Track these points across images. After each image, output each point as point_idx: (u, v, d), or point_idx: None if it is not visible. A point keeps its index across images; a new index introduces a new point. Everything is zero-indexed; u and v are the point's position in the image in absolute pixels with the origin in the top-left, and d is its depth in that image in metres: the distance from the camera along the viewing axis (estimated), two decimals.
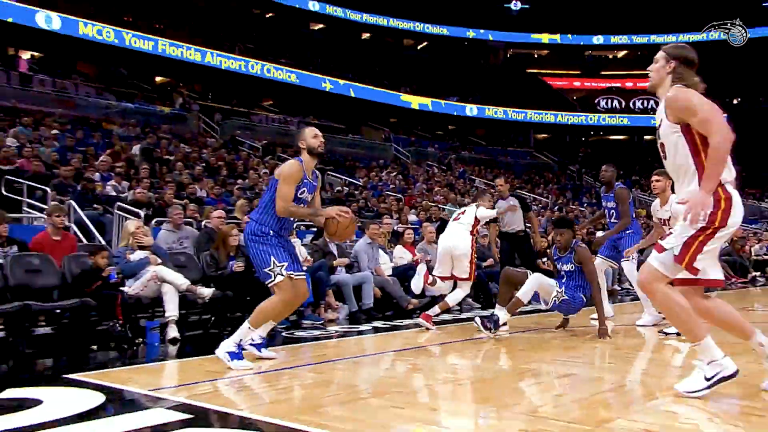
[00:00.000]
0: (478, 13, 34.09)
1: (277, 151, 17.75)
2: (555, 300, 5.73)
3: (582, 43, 35.34)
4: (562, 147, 33.24)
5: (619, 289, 10.88)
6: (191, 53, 23.95)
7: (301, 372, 4.27)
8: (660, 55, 3.33)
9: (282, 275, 4.28)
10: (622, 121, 33.59)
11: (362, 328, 6.56)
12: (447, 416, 3.08)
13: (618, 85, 34.93)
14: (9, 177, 9.29)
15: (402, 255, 8.42)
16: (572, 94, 35.95)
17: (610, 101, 34.36)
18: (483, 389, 3.74)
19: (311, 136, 4.48)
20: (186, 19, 26.85)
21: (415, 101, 30.16)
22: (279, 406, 3.28)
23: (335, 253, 7.70)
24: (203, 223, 8.27)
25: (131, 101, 21.23)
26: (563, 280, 5.80)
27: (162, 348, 5.45)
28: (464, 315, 7.54)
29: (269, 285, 4.35)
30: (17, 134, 12.45)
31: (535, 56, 36.96)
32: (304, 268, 6.76)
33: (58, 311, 5.48)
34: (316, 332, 6.19)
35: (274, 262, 4.28)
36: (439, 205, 14.60)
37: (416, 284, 6.58)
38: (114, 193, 10.00)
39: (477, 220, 6.41)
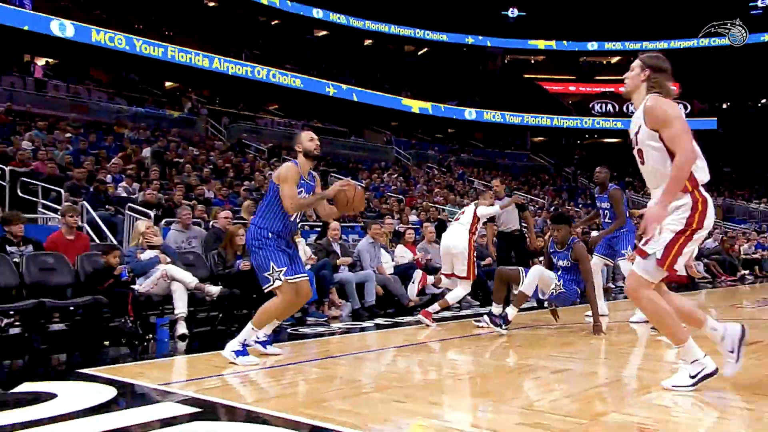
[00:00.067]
0: (476, 20, 34.35)
1: (283, 154, 17.89)
2: (553, 291, 5.81)
3: (577, 50, 35.67)
4: (558, 150, 33.41)
5: (614, 287, 10.93)
6: (199, 59, 24.24)
7: (306, 367, 4.32)
8: (636, 63, 3.48)
9: (280, 280, 4.33)
10: (615, 124, 33.86)
11: (365, 324, 6.65)
12: (447, 410, 3.12)
13: (612, 89, 35.25)
14: (24, 179, 9.45)
15: (403, 254, 8.52)
16: (567, 99, 36.20)
17: (604, 105, 34.62)
18: (481, 384, 3.81)
19: (307, 139, 4.59)
20: (194, 27, 27.09)
21: (416, 105, 30.47)
22: (284, 400, 3.34)
23: (338, 252, 7.81)
24: (211, 223, 8.41)
25: (142, 106, 21.47)
26: (559, 274, 5.89)
27: (171, 344, 5.52)
28: (464, 312, 7.59)
29: (267, 289, 4.39)
30: (32, 138, 12.66)
31: (532, 62, 37.17)
32: (307, 268, 6.93)
33: (71, 308, 5.57)
34: (320, 329, 6.26)
35: (273, 268, 4.33)
36: (438, 206, 14.71)
37: (411, 290, 6.73)
38: (125, 195, 10.17)
39: (476, 218, 6.47)
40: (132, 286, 5.86)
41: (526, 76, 36.26)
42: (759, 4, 33.63)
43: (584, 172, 30.63)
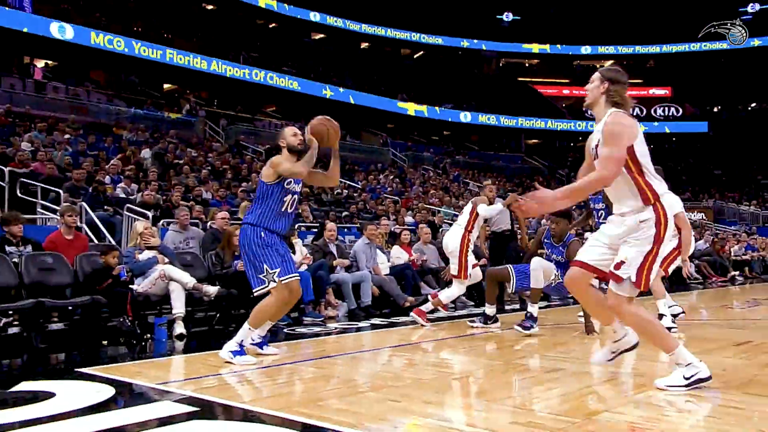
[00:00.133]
0: (471, 24, 34.54)
1: None
2: (552, 282, 5.84)
3: (571, 53, 35.91)
4: (552, 152, 33.62)
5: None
6: (198, 62, 24.32)
7: (302, 367, 4.34)
8: (595, 76, 3.58)
9: (274, 282, 4.35)
10: None
11: (361, 324, 6.69)
12: (441, 409, 3.13)
13: None
14: (24, 180, 9.50)
15: (399, 255, 8.57)
16: (561, 102, 36.47)
17: None
18: (475, 383, 3.84)
19: (291, 134, 4.61)
20: (193, 30, 27.16)
21: (412, 108, 30.63)
22: (281, 399, 3.36)
23: (335, 253, 7.86)
24: (208, 224, 8.46)
25: (141, 107, 21.51)
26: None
27: (169, 343, 5.55)
28: (458, 313, 7.62)
29: (259, 292, 4.40)
30: (32, 139, 12.71)
31: (526, 65, 37.42)
32: (304, 268, 6.98)
33: (70, 308, 5.59)
34: (317, 329, 6.30)
35: (267, 270, 4.35)
36: (433, 208, 14.80)
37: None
38: (123, 195, 10.22)
39: (474, 216, 6.42)
40: (130, 286, 5.88)
41: (520, 79, 36.44)
42: (749, 9, 33.99)
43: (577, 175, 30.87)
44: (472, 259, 6.55)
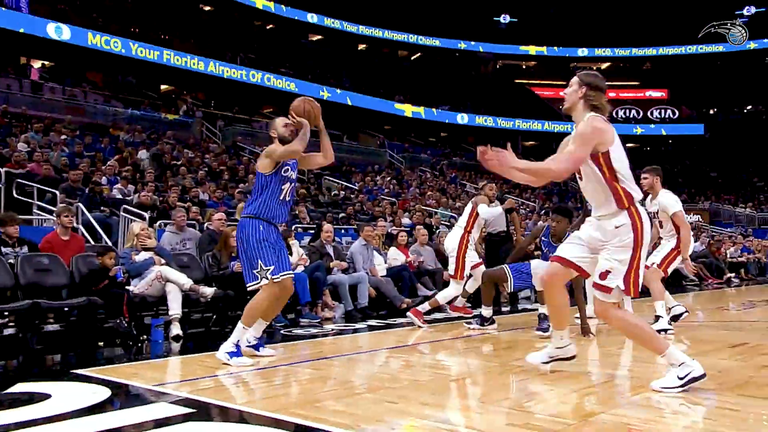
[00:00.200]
0: (468, 26, 34.61)
1: None
2: None
3: (567, 55, 36.05)
4: (549, 154, 33.20)
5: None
6: (195, 63, 24.35)
7: (299, 368, 4.34)
8: (574, 80, 3.62)
9: (267, 279, 4.36)
10: None
11: (357, 326, 6.68)
12: (438, 410, 3.13)
13: None
14: (20, 180, 9.48)
15: (396, 256, 8.58)
16: (558, 104, 36.34)
17: None
18: (472, 385, 3.85)
19: (281, 125, 4.65)
20: (190, 31, 27.14)
21: (409, 109, 30.74)
22: (277, 400, 3.35)
23: (332, 254, 7.86)
24: (205, 225, 8.45)
25: (138, 108, 21.49)
26: None
27: (166, 345, 5.54)
28: (454, 314, 7.64)
29: (252, 287, 4.42)
30: (28, 140, 12.69)
31: (523, 67, 37.56)
32: (300, 270, 6.99)
33: (66, 309, 5.58)
34: (314, 330, 6.31)
35: (261, 266, 4.36)
36: (430, 209, 14.83)
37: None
38: (120, 197, 10.20)
39: (474, 217, 6.41)
40: (127, 288, 5.88)
41: (517, 81, 36.52)
42: (745, 12, 34.23)
43: (574, 176, 30.88)
44: (474, 258, 6.52)
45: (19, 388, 3.65)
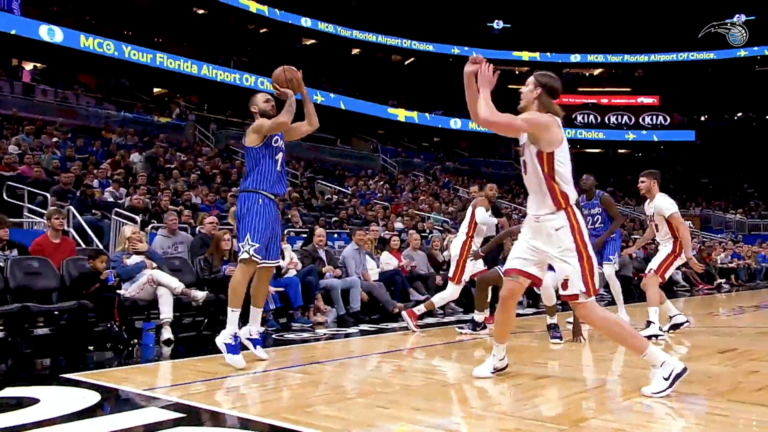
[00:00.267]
0: (462, 31, 34.75)
1: None
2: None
3: (560, 61, 36.22)
4: None
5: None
6: (188, 66, 24.40)
7: (291, 373, 4.33)
8: (531, 80, 3.73)
9: (248, 254, 4.39)
10: (597, 135, 34.74)
11: (349, 330, 6.67)
12: (429, 416, 3.12)
13: (594, 101, 36.09)
14: (11, 183, 9.43)
15: (388, 261, 8.58)
16: None
17: (586, 116, 35.34)
18: (464, 390, 3.85)
19: (263, 100, 4.71)
20: (184, 34, 27.09)
21: (402, 114, 30.94)
22: (269, 405, 3.35)
23: (324, 258, 7.86)
24: (197, 228, 8.43)
25: (131, 111, 21.43)
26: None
27: (156, 349, 5.51)
28: (447, 319, 7.63)
29: (239, 258, 4.46)
30: (19, 142, 12.63)
31: (516, 73, 37.56)
32: (292, 274, 6.98)
33: (56, 313, 5.56)
34: (305, 334, 6.29)
35: (248, 240, 4.40)
36: (423, 214, 14.85)
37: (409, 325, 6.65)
38: (112, 200, 10.17)
39: (474, 222, 6.39)
40: (118, 291, 5.86)
41: (510, 86, 36.65)
42: (735, 20, 34.60)
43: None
44: (479, 266, 6.45)
45: (7, 392, 3.62)
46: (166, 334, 5.70)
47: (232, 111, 26.04)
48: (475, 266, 6.43)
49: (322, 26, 32.20)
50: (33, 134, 13.94)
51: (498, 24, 36.18)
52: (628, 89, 36.76)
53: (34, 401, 3.35)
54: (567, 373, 4.36)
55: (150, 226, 8.52)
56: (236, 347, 4.36)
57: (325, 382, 4.06)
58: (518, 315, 7.38)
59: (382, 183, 20.37)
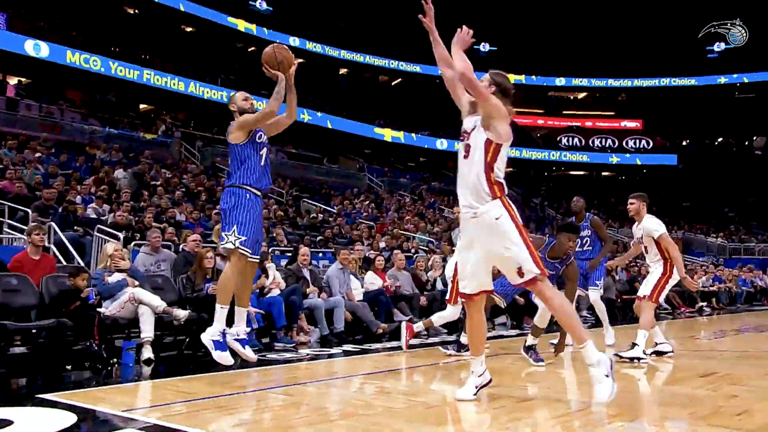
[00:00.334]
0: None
1: None
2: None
3: (545, 84, 36.88)
4: (527, 181, 34.23)
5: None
6: (175, 83, 24.42)
7: (273, 394, 4.30)
8: (486, 77, 3.87)
9: (233, 245, 4.40)
10: (581, 158, 35.23)
11: (333, 351, 6.62)
12: None
13: (578, 124, 36.75)
14: None
15: (373, 281, 8.53)
16: (536, 132, 37.43)
17: (570, 139, 35.92)
18: (447, 412, 3.84)
19: (242, 99, 4.75)
20: (172, 51, 27.09)
21: (389, 134, 31.12)
22: (250, 426, 3.32)
23: (308, 278, 7.81)
24: (181, 246, 8.37)
25: (116, 127, 21.34)
26: None
27: (136, 368, 5.43)
28: (431, 340, 7.59)
29: (221, 247, 4.49)
30: (1, 156, 12.49)
31: None
32: (276, 293, 6.95)
33: (34, 331, 5.44)
34: (288, 355, 6.24)
35: (234, 231, 4.41)
36: (409, 234, 14.87)
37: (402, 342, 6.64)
38: (95, 216, 10.08)
39: None
40: (98, 309, 5.78)
41: None
42: (715, 48, 35.46)
43: (551, 203, 31.40)
44: None
45: None
46: (147, 353, 5.62)
47: (218, 128, 26.02)
48: None
49: (311, 46, 32.45)
50: (16, 149, 13.79)
51: (484, 47, 36.64)
52: (611, 113, 37.34)
53: (7, 423, 3.28)
54: (550, 395, 4.35)
55: (133, 243, 8.45)
56: (224, 344, 4.36)
57: (307, 403, 4.02)
58: (501, 336, 7.44)
59: (367, 202, 20.39)
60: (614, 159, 34.96)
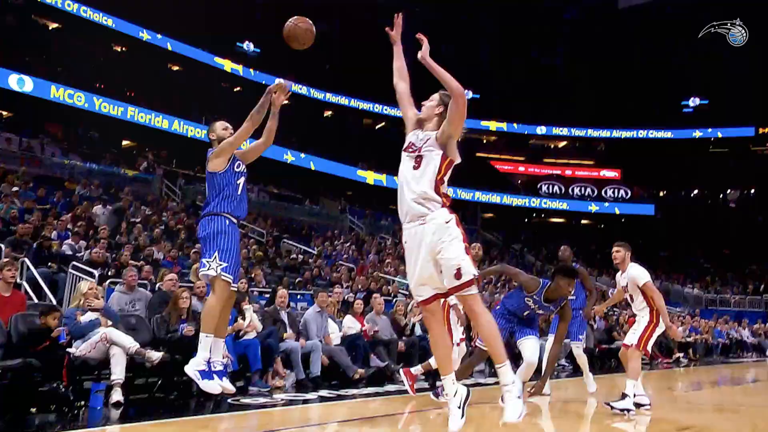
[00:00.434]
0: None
1: None
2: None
3: (527, 132, 37.67)
4: (507, 226, 34.56)
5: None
6: (159, 120, 24.53)
7: None
8: (435, 96, 4.16)
9: (215, 272, 4.37)
10: (561, 205, 35.69)
11: (308, 396, 6.49)
12: None
13: (558, 172, 37.49)
14: None
15: (351, 325, 8.40)
16: (517, 178, 38.05)
17: (551, 186, 36.54)
18: None
19: (221, 128, 4.85)
20: (157, 89, 27.25)
21: (371, 177, 31.38)
22: None
23: (286, 320, 7.71)
24: (157, 285, 8.23)
25: (98, 162, 21.22)
26: (526, 314, 5.96)
27: (104, 412, 5.27)
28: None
29: (202, 273, 4.46)
30: None
31: (484, 141, 38.83)
32: (252, 336, 6.85)
33: None
34: (263, 399, 6.11)
35: (215, 258, 4.39)
36: (389, 277, 14.82)
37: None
38: (70, 252, 9.91)
39: None
40: (68, 349, 5.61)
41: (478, 154, 37.68)
42: (690, 102, 36.71)
43: (531, 250, 31.63)
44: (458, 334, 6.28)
45: None
46: (116, 396, 5.45)
47: (200, 167, 25.98)
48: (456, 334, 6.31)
49: (296, 88, 32.87)
50: None
51: (467, 94, 37.58)
52: (591, 162, 38.10)
53: None
54: None
55: (108, 281, 8.30)
56: (210, 373, 4.28)
57: None
58: (479, 384, 7.34)
59: (348, 244, 20.35)
60: (593, 207, 35.46)
